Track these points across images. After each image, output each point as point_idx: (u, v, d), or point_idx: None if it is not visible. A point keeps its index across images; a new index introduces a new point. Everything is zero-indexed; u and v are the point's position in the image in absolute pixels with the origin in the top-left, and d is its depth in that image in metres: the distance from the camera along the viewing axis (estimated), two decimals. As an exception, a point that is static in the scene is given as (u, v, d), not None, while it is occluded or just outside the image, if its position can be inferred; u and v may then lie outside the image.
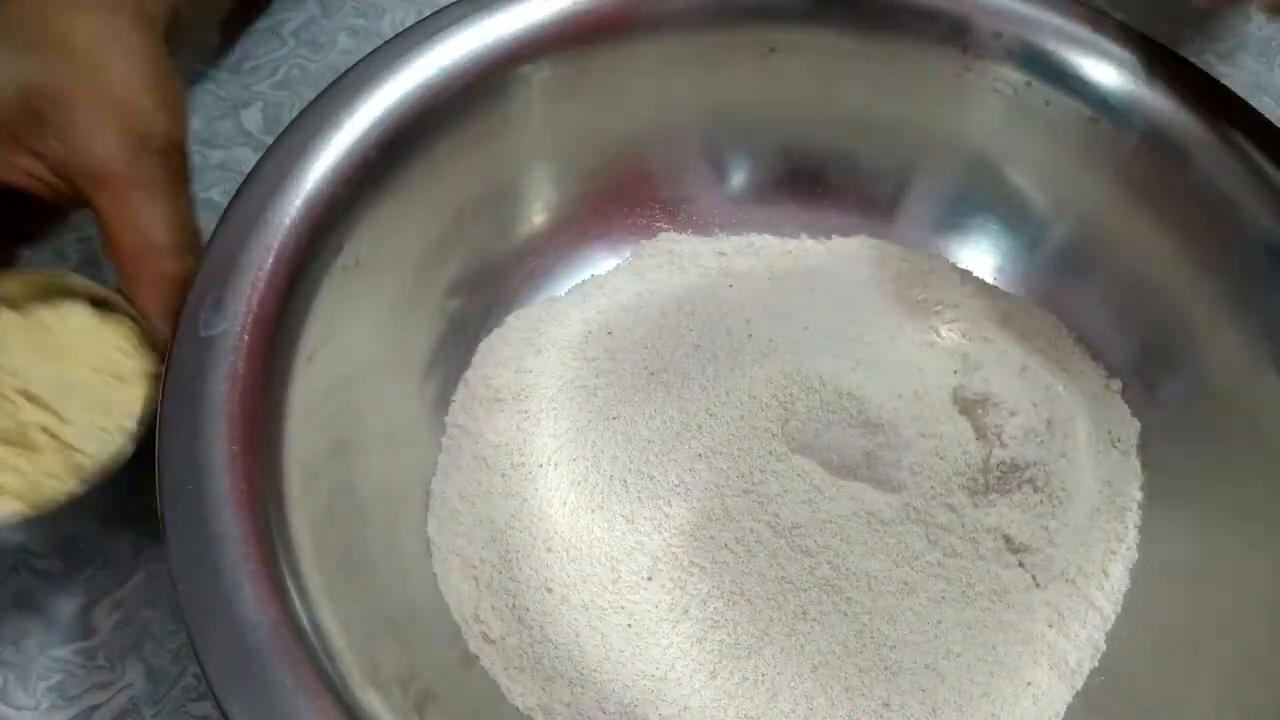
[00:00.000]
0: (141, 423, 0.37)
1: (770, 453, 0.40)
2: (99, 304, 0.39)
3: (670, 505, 0.40)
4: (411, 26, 0.41)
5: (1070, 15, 0.43)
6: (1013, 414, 0.39)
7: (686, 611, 0.39)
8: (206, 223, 0.49)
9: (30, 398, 0.36)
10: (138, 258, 0.36)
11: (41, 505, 0.36)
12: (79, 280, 0.39)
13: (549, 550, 0.40)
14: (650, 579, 0.39)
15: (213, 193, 0.50)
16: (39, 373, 0.37)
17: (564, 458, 0.41)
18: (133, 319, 0.38)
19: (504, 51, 0.42)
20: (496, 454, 0.42)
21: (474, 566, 0.40)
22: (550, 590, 0.39)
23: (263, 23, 0.55)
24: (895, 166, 0.47)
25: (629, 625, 0.39)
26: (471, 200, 0.43)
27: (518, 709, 0.38)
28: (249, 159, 0.51)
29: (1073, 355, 0.45)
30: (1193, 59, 0.43)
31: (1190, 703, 0.37)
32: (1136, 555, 0.41)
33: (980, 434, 0.39)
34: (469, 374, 0.44)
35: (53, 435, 0.36)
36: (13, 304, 0.38)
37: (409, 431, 0.42)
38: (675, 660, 0.38)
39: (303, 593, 0.33)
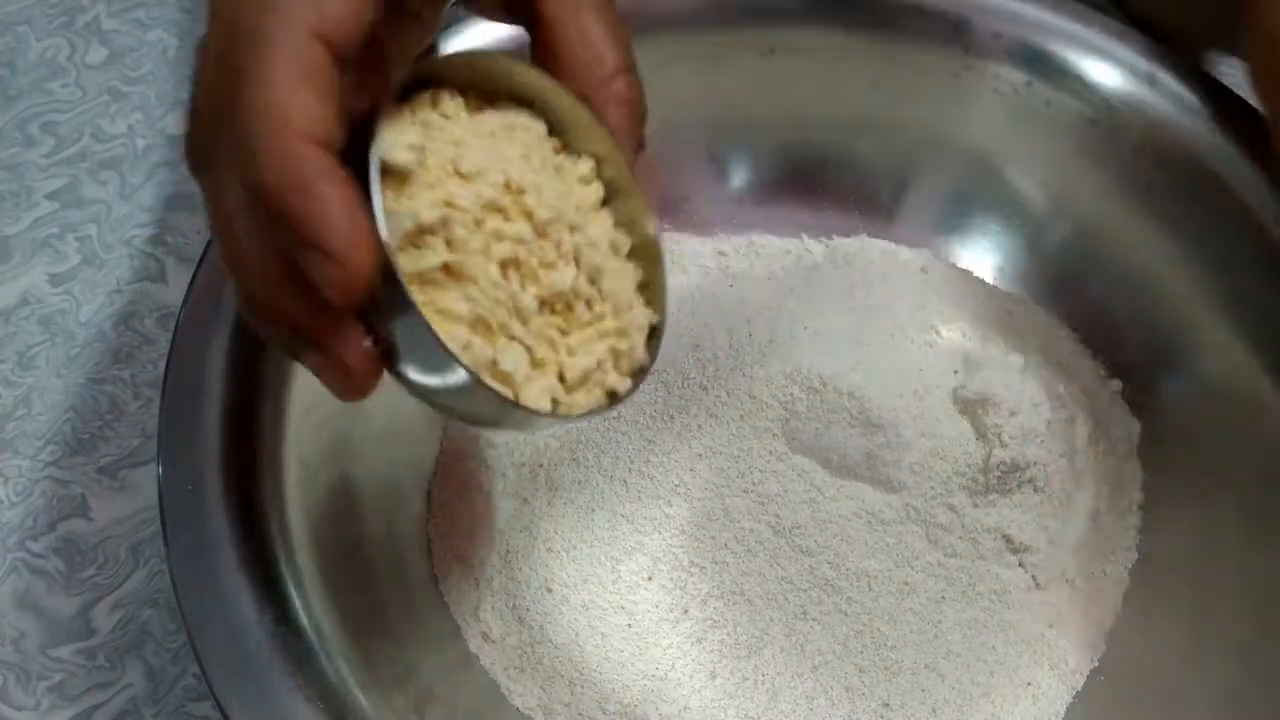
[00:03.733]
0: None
1: (770, 453, 0.40)
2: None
3: (671, 505, 0.40)
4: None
5: (1070, 15, 0.43)
6: (1013, 414, 0.39)
7: (686, 611, 0.39)
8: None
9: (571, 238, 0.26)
10: (603, 78, 0.30)
11: (587, 407, 0.27)
12: (523, 71, 0.29)
13: (549, 550, 0.40)
14: (650, 579, 0.39)
15: (213, 192, 0.50)
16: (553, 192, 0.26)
17: (564, 457, 0.41)
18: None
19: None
20: (496, 454, 0.41)
21: (474, 567, 0.40)
22: (550, 590, 0.39)
23: (263, 22, 0.55)
24: (895, 166, 0.47)
25: (629, 625, 0.39)
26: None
27: (518, 709, 0.38)
28: (249, 159, 0.50)
29: (1073, 355, 0.45)
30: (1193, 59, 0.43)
31: (1190, 703, 0.37)
32: (1136, 555, 0.41)
33: (980, 434, 0.39)
34: (469, 374, 0.43)
35: (593, 303, 0.27)
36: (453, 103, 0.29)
37: (409, 431, 0.42)
38: (675, 660, 0.38)
39: (302, 593, 0.33)
